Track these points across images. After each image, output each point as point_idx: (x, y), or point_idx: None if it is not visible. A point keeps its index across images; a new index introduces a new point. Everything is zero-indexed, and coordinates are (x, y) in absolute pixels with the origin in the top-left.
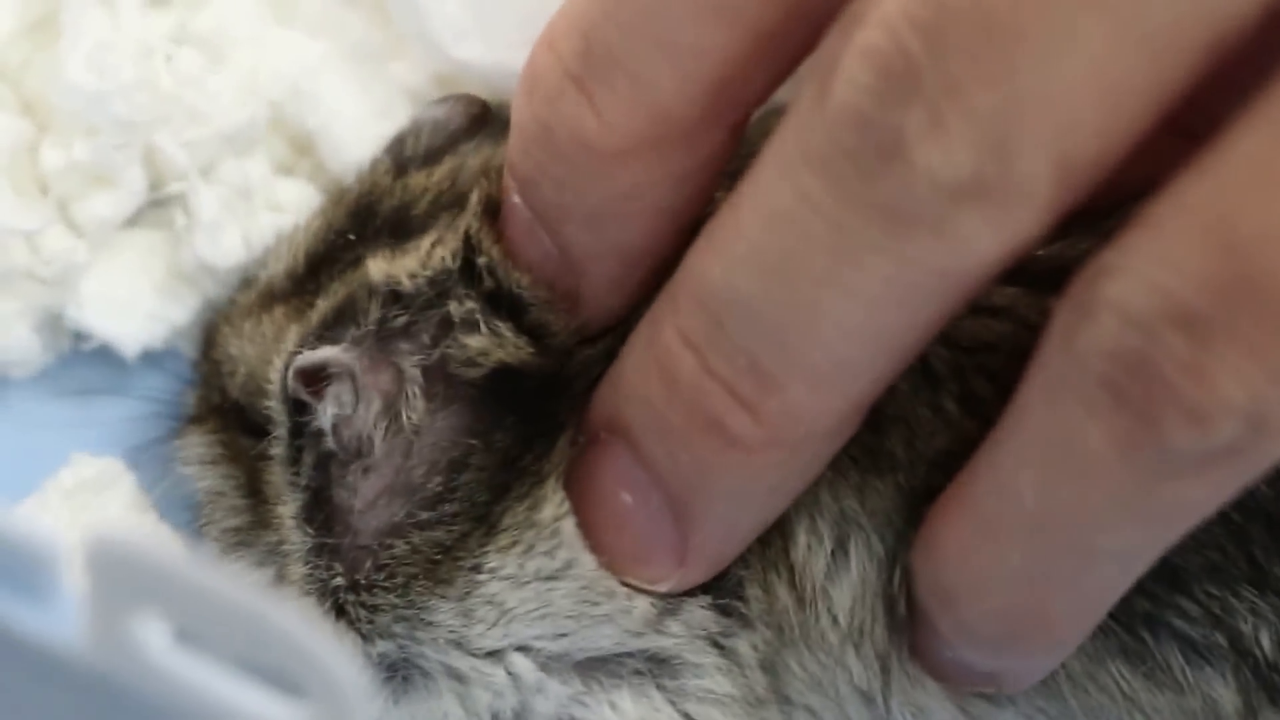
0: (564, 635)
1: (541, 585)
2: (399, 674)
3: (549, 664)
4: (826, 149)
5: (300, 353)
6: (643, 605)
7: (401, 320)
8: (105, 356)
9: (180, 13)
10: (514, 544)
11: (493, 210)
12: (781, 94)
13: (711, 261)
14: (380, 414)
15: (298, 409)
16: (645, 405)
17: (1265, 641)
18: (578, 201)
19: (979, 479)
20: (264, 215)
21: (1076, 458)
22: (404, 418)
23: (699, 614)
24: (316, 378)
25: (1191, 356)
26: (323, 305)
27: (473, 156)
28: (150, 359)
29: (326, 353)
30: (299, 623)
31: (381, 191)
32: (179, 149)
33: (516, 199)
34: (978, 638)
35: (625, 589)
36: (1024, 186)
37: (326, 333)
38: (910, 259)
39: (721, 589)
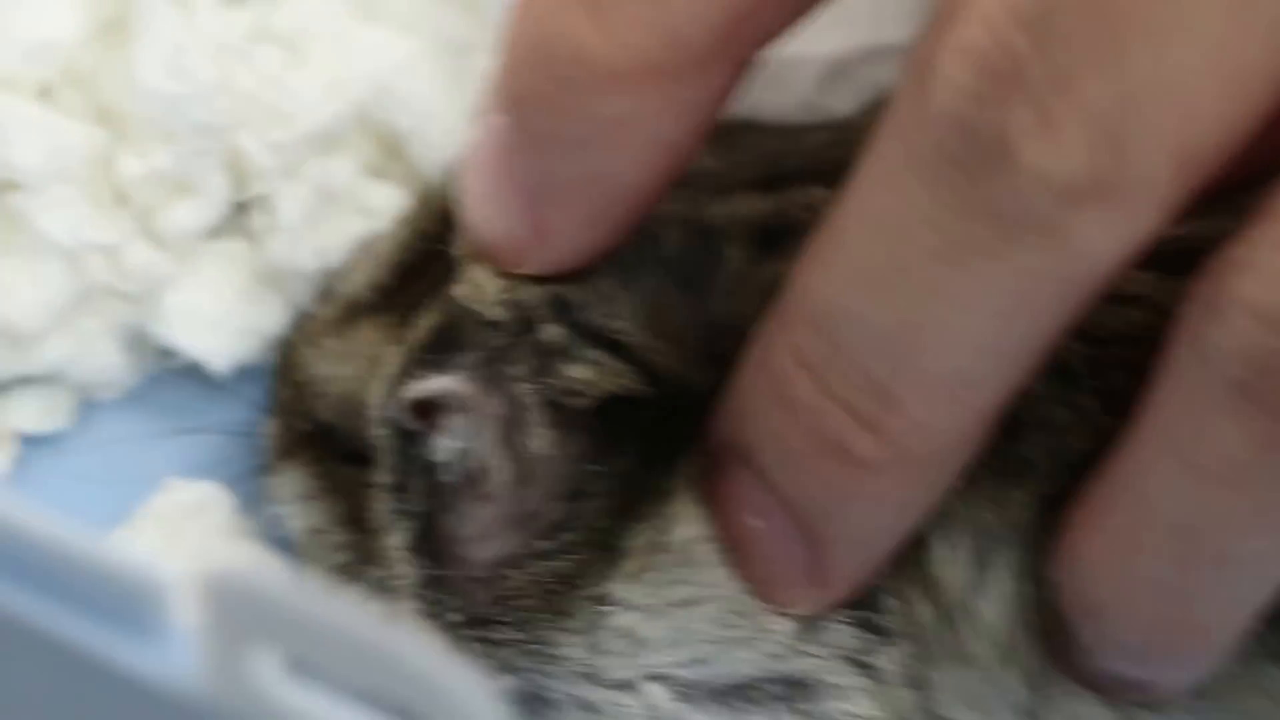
0: (700, 662)
1: (675, 611)
2: (526, 707)
3: (686, 692)
4: (929, 155)
5: (408, 382)
6: (782, 626)
7: (507, 345)
8: (193, 374)
9: (258, 10)
10: (642, 570)
11: None
12: None
13: (819, 276)
14: (497, 443)
15: (405, 438)
16: (764, 429)
17: None
18: (566, 124)
19: (1115, 487)
20: (351, 219)
21: (1214, 463)
22: (521, 446)
23: (837, 631)
24: (428, 408)
25: None
26: (422, 325)
27: None
28: (241, 374)
29: (441, 383)
30: (428, 653)
31: None
32: (262, 151)
33: (496, 119)
34: (1125, 648)
35: (763, 611)
36: (1142, 182)
37: (431, 357)
38: (1025, 265)
39: (860, 605)
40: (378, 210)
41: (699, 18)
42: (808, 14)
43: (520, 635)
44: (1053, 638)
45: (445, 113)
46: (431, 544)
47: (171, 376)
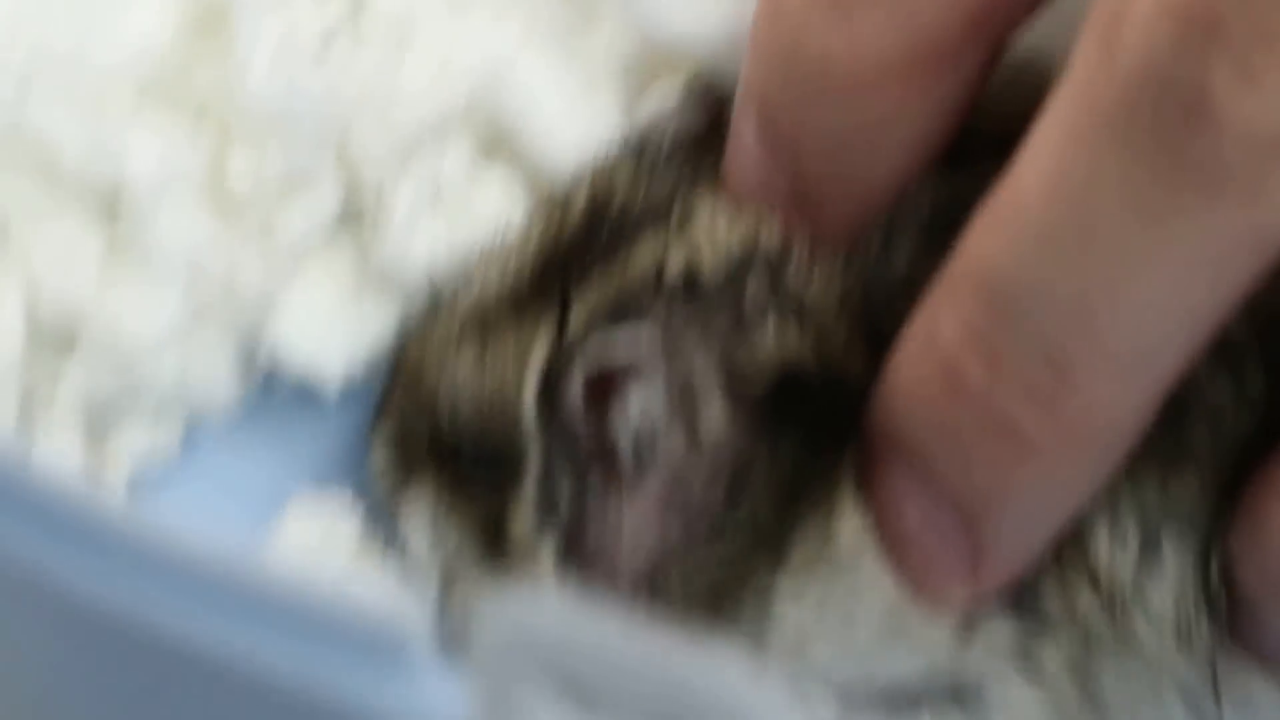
0: (864, 661)
1: (841, 609)
2: None
3: (848, 694)
4: (1120, 113)
5: (583, 357)
6: (943, 625)
7: (691, 319)
8: (299, 386)
9: (353, 1)
10: (810, 565)
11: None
12: None
13: (993, 246)
14: (671, 424)
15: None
16: (928, 414)
17: None
18: (823, 131)
19: None
20: (462, 213)
21: None
22: (696, 427)
23: (997, 626)
24: (602, 387)
25: None
26: (582, 311)
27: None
28: (350, 382)
29: (622, 350)
30: (728, 679)
31: (628, 193)
32: (375, 146)
33: (749, 127)
34: None
35: (924, 610)
36: None
37: (602, 333)
38: (1222, 227)
39: (1018, 596)
40: (488, 202)
41: (947, 15)
42: None
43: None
44: (1230, 618)
45: (557, 99)
46: (583, 547)
47: (279, 388)
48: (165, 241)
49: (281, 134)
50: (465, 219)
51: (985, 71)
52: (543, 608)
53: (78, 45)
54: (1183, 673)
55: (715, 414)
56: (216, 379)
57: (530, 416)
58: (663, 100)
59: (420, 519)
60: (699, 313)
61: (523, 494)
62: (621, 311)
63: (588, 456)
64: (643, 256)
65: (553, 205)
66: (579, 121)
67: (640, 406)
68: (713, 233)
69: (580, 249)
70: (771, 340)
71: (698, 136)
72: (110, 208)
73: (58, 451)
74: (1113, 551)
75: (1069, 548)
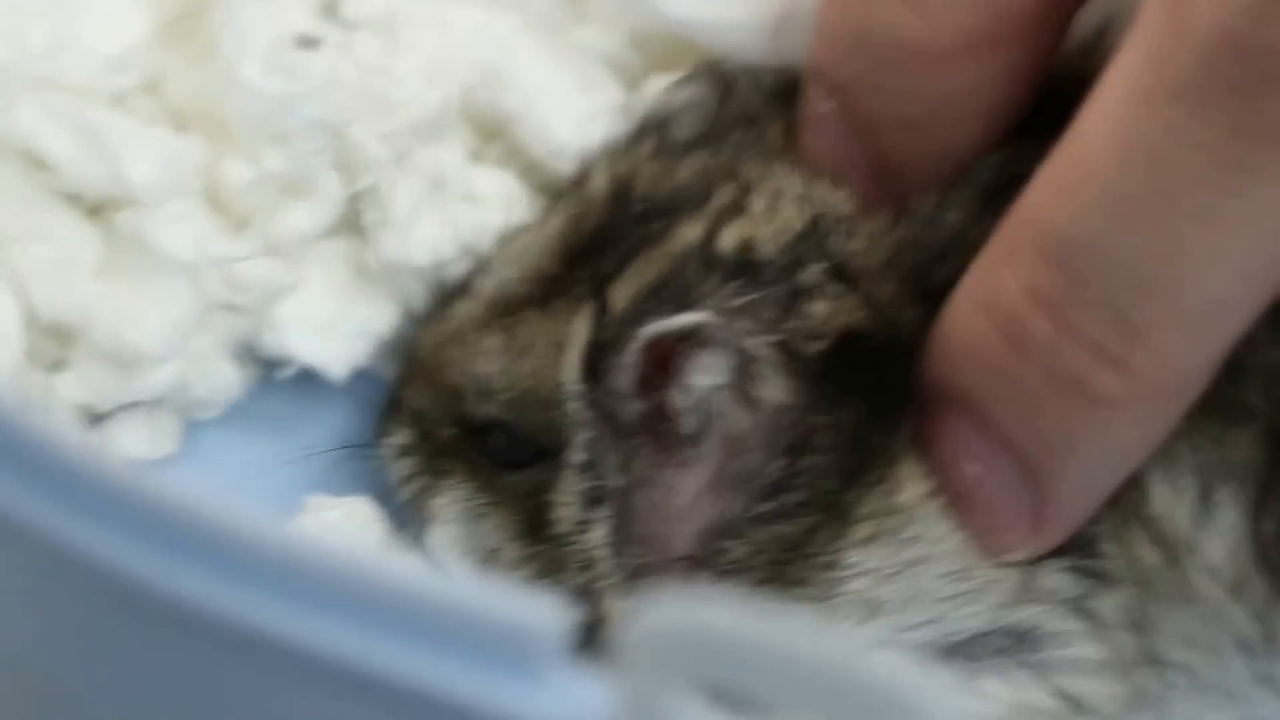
0: (931, 622)
1: (909, 574)
2: None
3: (920, 651)
4: (1197, 77)
5: (641, 327)
6: (1006, 578)
7: (747, 292)
8: (300, 383)
9: None
10: (876, 534)
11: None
12: None
13: (1059, 208)
14: (731, 395)
15: (600, 410)
16: (990, 371)
17: None
18: (900, 107)
19: None
20: (460, 207)
21: None
22: (755, 397)
23: (1057, 578)
24: (656, 363)
25: None
26: (628, 286)
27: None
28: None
29: (690, 317)
30: (902, 680)
31: (651, 176)
32: (373, 143)
33: (825, 107)
34: None
35: (986, 563)
36: None
37: (649, 308)
38: None
39: (1077, 549)
40: (484, 195)
41: None
42: None
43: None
44: None
45: (554, 89)
46: (634, 528)
47: (275, 387)
48: (172, 248)
49: (277, 134)
50: (465, 212)
51: (1058, 43)
52: (694, 609)
53: (54, 51)
54: (1239, 625)
55: (774, 384)
56: (217, 378)
57: (574, 396)
58: (673, 79)
59: (454, 520)
60: (755, 287)
61: (565, 480)
62: (667, 289)
63: (638, 433)
64: (685, 235)
65: (571, 192)
66: (575, 112)
67: (701, 379)
68: (772, 210)
69: (607, 234)
70: (828, 310)
71: (719, 117)
72: (100, 211)
73: None
74: (1171, 503)
75: (1128, 500)
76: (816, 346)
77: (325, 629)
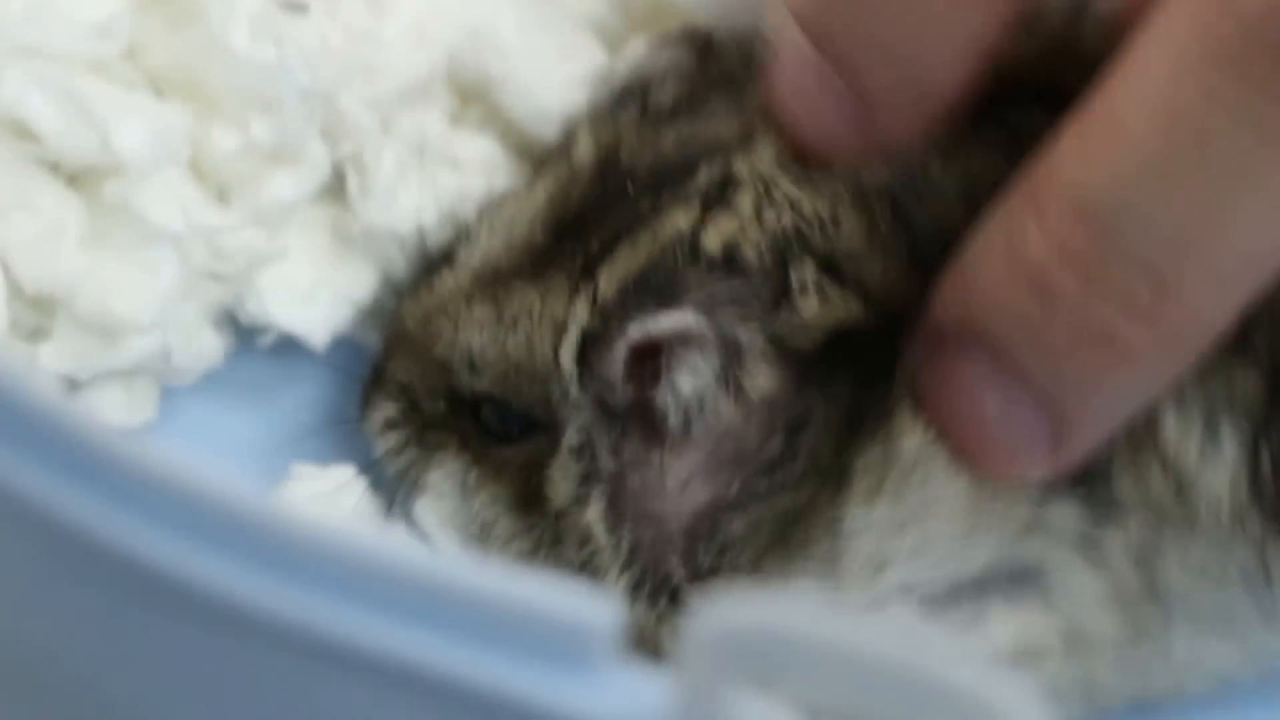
0: (939, 565)
1: (915, 523)
2: None
3: (927, 598)
4: (1242, 46)
5: (630, 324)
6: (1015, 512)
7: (735, 287)
8: (278, 351)
9: None
10: (876, 489)
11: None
12: None
13: (1092, 168)
14: (718, 389)
15: (593, 392)
16: (1015, 318)
17: None
18: (881, 41)
19: None
20: (443, 173)
21: None
22: (744, 390)
23: (1066, 510)
24: (646, 352)
25: None
26: (617, 271)
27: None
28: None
29: (673, 320)
30: (974, 681)
31: (636, 144)
32: (358, 109)
33: (802, 42)
34: None
35: (996, 504)
36: None
37: (637, 300)
38: None
39: (1088, 481)
40: (467, 162)
41: None
42: None
43: (754, 578)
44: (1276, 509)
45: (538, 55)
46: (631, 503)
47: (257, 353)
48: (160, 217)
49: (265, 102)
50: (447, 178)
51: None
52: (753, 608)
53: (34, 17)
54: (1243, 556)
55: (763, 374)
56: (199, 346)
57: (571, 381)
58: (649, 43)
59: (447, 494)
60: (742, 285)
61: (560, 457)
62: (653, 280)
63: (627, 419)
64: (673, 222)
65: (556, 158)
66: (559, 76)
67: (687, 377)
68: (758, 208)
69: (595, 207)
70: (819, 308)
71: (700, 81)
72: (78, 180)
73: None
74: (1181, 436)
75: (1138, 430)
76: (808, 343)
77: (378, 626)
